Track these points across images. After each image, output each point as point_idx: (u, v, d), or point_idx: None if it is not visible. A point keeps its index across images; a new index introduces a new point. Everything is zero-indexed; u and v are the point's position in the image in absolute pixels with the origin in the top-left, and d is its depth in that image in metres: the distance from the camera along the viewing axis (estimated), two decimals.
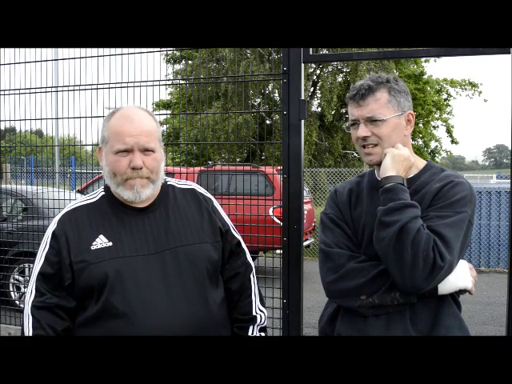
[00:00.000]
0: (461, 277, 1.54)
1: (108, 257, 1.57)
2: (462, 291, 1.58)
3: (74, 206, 1.68)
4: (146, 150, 1.60)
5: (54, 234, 1.62)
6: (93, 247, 1.58)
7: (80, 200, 1.72)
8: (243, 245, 1.82)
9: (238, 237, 1.81)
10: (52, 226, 1.65)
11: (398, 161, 1.60)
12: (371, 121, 1.62)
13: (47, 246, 1.61)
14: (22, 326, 1.58)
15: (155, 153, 1.63)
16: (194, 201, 1.76)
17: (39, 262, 1.60)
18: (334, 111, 19.30)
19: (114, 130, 1.62)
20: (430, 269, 1.43)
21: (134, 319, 1.52)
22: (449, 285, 1.53)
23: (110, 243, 1.59)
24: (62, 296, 1.58)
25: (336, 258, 1.63)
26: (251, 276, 1.83)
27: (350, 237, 1.68)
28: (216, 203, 1.82)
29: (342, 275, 1.59)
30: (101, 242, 1.59)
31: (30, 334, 1.54)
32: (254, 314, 1.80)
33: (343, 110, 19.54)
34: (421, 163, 1.71)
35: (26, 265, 5.27)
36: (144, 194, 1.62)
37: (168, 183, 1.77)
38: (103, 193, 1.72)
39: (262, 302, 1.85)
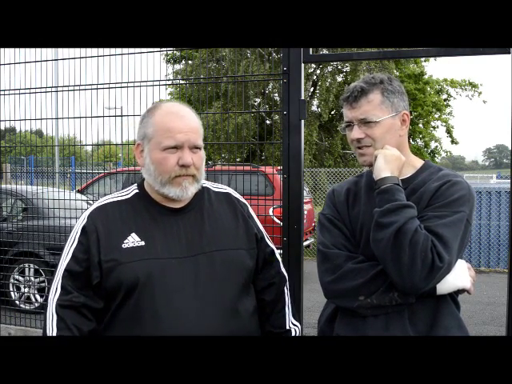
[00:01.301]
0: (459, 277, 1.54)
1: (139, 257, 1.49)
2: (461, 291, 1.58)
3: (105, 202, 1.61)
4: (194, 147, 1.55)
5: (83, 229, 1.53)
6: (124, 245, 1.51)
7: (111, 196, 1.64)
8: (277, 254, 1.75)
9: (272, 246, 1.75)
10: (81, 221, 1.56)
11: (391, 160, 1.59)
12: (364, 122, 1.62)
13: (75, 242, 1.52)
14: (45, 325, 1.49)
15: (201, 150, 1.59)
16: (230, 205, 1.70)
17: (66, 259, 1.51)
18: (334, 111, 19.29)
19: (161, 126, 1.54)
20: (429, 269, 1.43)
21: (161, 326, 1.46)
22: (447, 285, 1.53)
23: (143, 242, 1.52)
24: (90, 295, 1.50)
25: (334, 259, 1.62)
26: (285, 288, 1.76)
27: (348, 237, 1.67)
28: (251, 209, 1.75)
29: (340, 276, 1.59)
30: (133, 240, 1.52)
31: (54, 334, 1.46)
32: (287, 327, 1.74)
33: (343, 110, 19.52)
34: (418, 163, 1.71)
35: (26, 265, 5.28)
36: (190, 191, 1.56)
37: (203, 185, 1.68)
38: (136, 190, 1.64)
39: (295, 316, 1.78)
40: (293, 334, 1.74)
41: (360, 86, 1.63)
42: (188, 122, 1.56)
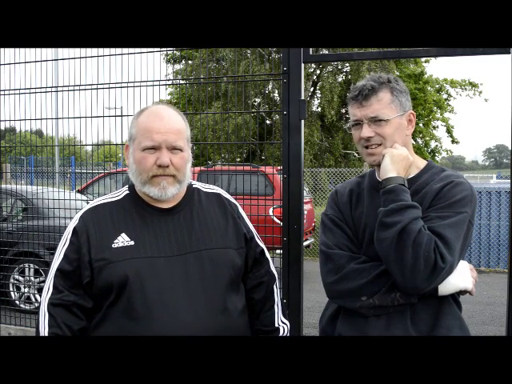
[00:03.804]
0: (461, 278, 1.54)
1: (129, 256, 1.53)
2: (463, 292, 1.58)
3: (97, 204, 1.65)
4: (173, 149, 1.58)
5: (74, 230, 1.58)
6: (114, 245, 1.54)
7: (103, 198, 1.68)
8: (267, 254, 1.79)
9: (262, 245, 1.78)
10: (73, 222, 1.61)
11: (398, 160, 1.59)
12: (375, 121, 1.62)
13: (67, 243, 1.57)
14: (38, 323, 1.54)
15: (183, 152, 1.60)
16: (220, 205, 1.73)
17: (58, 259, 1.56)
18: (334, 111, 19.29)
19: (142, 126, 1.59)
20: (431, 270, 1.43)
21: (153, 323, 1.48)
22: (449, 286, 1.53)
23: (132, 242, 1.55)
24: (80, 294, 1.54)
25: (336, 259, 1.62)
26: (274, 287, 1.78)
27: (351, 238, 1.68)
28: (241, 209, 1.78)
29: (342, 276, 1.59)
30: (122, 240, 1.55)
31: (46, 332, 1.50)
32: (276, 325, 1.76)
33: (343, 110, 19.54)
34: (421, 163, 1.71)
35: (26, 265, 5.28)
36: (170, 191, 1.58)
37: (193, 186, 1.73)
38: (127, 192, 1.68)
39: (285, 314, 1.81)
40: (281, 331, 1.77)
41: (370, 85, 1.63)
42: (167, 123, 1.58)
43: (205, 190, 1.76)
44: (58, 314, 1.52)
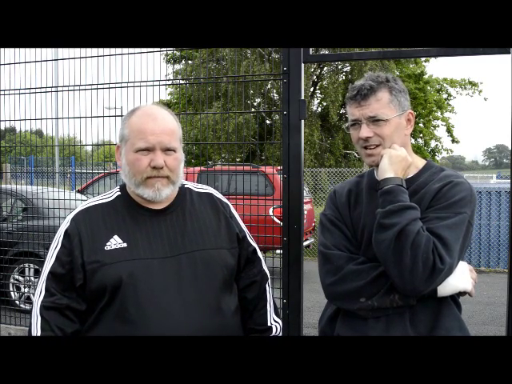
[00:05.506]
0: (460, 279, 1.53)
1: (122, 258, 1.52)
2: (462, 293, 1.58)
3: (88, 205, 1.63)
4: (167, 150, 1.56)
5: (66, 232, 1.57)
6: (107, 248, 1.53)
7: (94, 199, 1.66)
8: (259, 253, 1.78)
9: (254, 244, 1.78)
10: (65, 224, 1.59)
11: (396, 161, 1.58)
12: (373, 121, 1.60)
13: (59, 245, 1.56)
14: (30, 326, 1.53)
15: (176, 153, 1.59)
16: (212, 205, 1.72)
17: (50, 261, 1.55)
18: (336, 111, 19.30)
19: (135, 127, 1.57)
20: (430, 272, 1.42)
21: (147, 325, 1.48)
22: (448, 287, 1.52)
23: (125, 244, 1.55)
24: (73, 297, 1.53)
25: (335, 260, 1.62)
26: (267, 286, 1.79)
27: (349, 238, 1.67)
28: (233, 209, 1.78)
29: (341, 277, 1.59)
30: (115, 242, 1.55)
31: (39, 335, 1.49)
32: (269, 324, 1.77)
33: (343, 111, 19.55)
34: (420, 162, 1.70)
35: (26, 265, 5.28)
36: (164, 193, 1.58)
37: (185, 186, 1.72)
38: (119, 193, 1.67)
39: (277, 313, 1.81)
40: (274, 330, 1.77)
41: (369, 84, 1.61)
42: (161, 124, 1.57)
43: (197, 190, 1.75)
44: (50, 317, 1.51)
